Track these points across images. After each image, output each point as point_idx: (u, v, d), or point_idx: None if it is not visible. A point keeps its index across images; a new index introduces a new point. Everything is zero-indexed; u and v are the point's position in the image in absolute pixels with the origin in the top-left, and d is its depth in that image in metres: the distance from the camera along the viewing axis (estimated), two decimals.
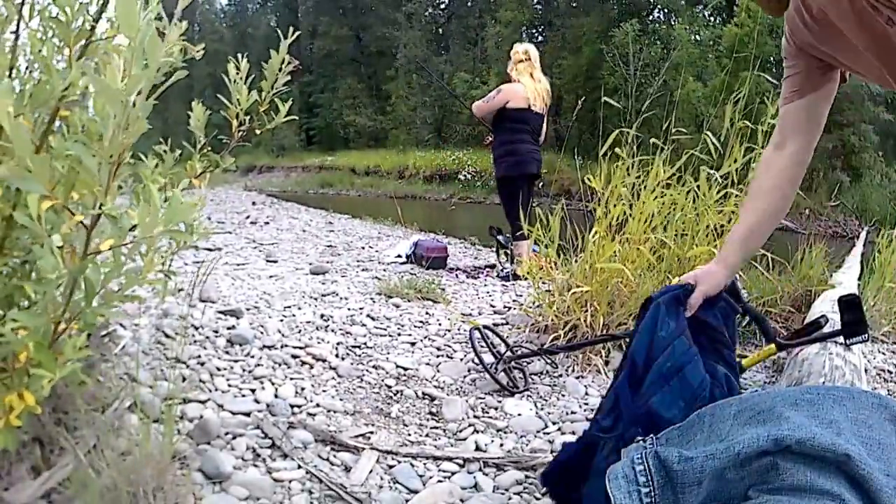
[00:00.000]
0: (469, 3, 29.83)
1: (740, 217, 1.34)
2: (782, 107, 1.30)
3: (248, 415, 1.56)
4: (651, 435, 1.33)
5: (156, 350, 1.78)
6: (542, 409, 1.88)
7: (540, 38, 24.67)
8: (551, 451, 1.58)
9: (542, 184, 4.28)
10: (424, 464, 1.51)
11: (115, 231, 0.85)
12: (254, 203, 12.63)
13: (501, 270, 4.08)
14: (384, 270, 4.17)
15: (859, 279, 2.89)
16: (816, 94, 1.24)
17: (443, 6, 31.62)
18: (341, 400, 1.80)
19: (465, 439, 1.65)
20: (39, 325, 0.85)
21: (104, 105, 0.79)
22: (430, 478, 1.44)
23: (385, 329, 2.49)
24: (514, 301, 3.12)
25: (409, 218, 5.73)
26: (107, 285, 0.91)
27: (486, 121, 4.21)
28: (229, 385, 1.73)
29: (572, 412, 1.84)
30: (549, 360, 2.16)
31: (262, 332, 2.16)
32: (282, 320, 2.35)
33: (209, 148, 1.36)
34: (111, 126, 0.77)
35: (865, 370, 1.58)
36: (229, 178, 21.23)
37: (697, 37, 16.61)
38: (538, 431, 1.73)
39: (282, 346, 2.06)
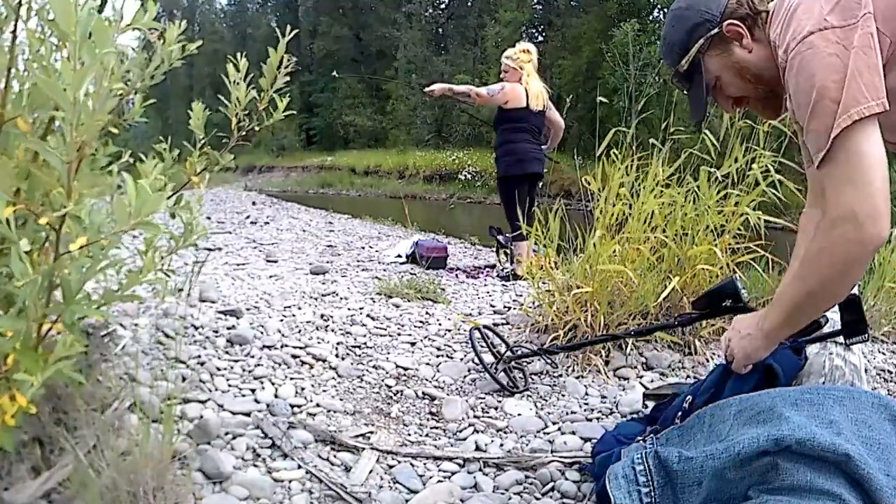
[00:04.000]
0: (469, 3, 29.83)
1: (784, 280, 1.33)
2: (807, 169, 1.30)
3: (248, 415, 1.56)
4: (651, 435, 1.34)
5: (156, 350, 1.78)
6: (542, 409, 1.88)
7: (540, 38, 24.67)
8: (552, 451, 1.58)
9: (541, 184, 4.27)
10: (424, 464, 1.51)
11: (80, 230, 0.85)
12: (254, 203, 12.64)
13: (501, 270, 4.08)
14: (384, 270, 4.17)
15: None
16: None
17: (443, 6, 31.63)
18: (341, 400, 1.79)
19: (465, 439, 1.65)
20: (21, 328, 0.84)
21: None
22: (430, 478, 1.44)
23: (385, 329, 2.48)
24: (514, 301, 3.12)
25: (409, 218, 5.74)
26: (99, 284, 0.90)
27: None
28: (229, 385, 1.73)
29: (572, 412, 1.84)
30: (549, 360, 2.16)
31: (262, 332, 2.16)
32: (282, 320, 2.35)
33: (209, 147, 1.36)
34: (67, 124, 0.77)
35: (865, 370, 1.57)
36: (229, 178, 21.23)
37: None
38: (538, 431, 1.73)
39: (282, 346, 2.06)
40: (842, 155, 1.03)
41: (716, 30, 1.25)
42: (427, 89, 4.11)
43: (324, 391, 1.83)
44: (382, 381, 1.98)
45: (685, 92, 1.36)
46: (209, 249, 4.66)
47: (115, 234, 0.83)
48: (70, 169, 0.80)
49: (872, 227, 1.01)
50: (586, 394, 1.98)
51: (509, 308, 2.93)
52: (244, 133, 1.37)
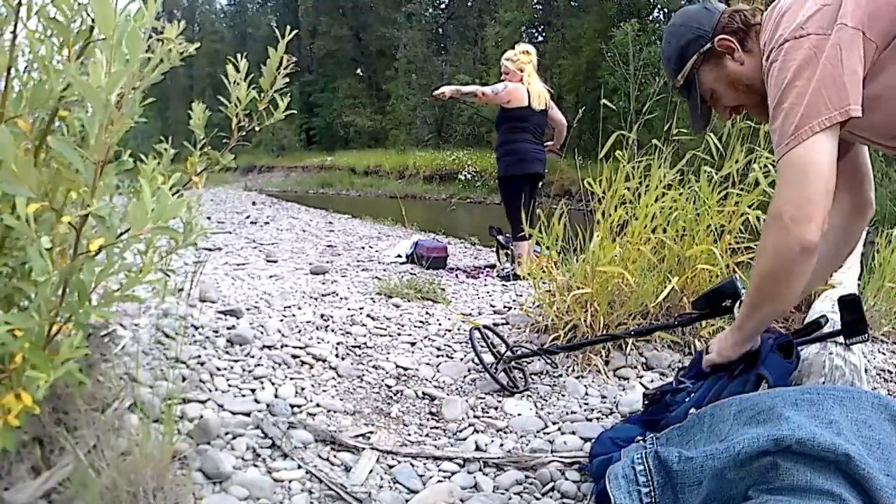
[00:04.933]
0: (469, 3, 29.84)
1: None
2: None
3: (248, 415, 1.56)
4: (651, 435, 1.34)
5: (156, 350, 1.78)
6: (542, 409, 1.88)
7: (540, 38, 24.68)
8: (552, 451, 1.58)
9: (542, 184, 4.27)
10: (424, 464, 1.51)
11: (103, 231, 0.85)
12: (254, 203, 12.65)
13: (501, 270, 4.08)
14: (384, 270, 4.17)
15: (859, 279, 2.89)
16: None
17: (443, 6, 31.64)
18: (341, 400, 1.79)
19: (465, 439, 1.65)
20: (32, 327, 0.84)
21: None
22: (430, 478, 1.44)
23: (385, 329, 2.48)
24: (514, 301, 3.12)
25: (409, 218, 5.73)
26: (100, 285, 0.90)
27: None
28: (229, 385, 1.73)
29: (572, 412, 1.84)
30: (549, 360, 2.16)
31: (262, 332, 2.16)
32: (282, 320, 2.35)
33: (209, 147, 1.36)
34: (95, 125, 0.77)
35: (865, 370, 1.57)
36: (229, 178, 21.25)
37: None
38: (538, 431, 1.73)
39: (282, 346, 2.06)
40: (793, 159, 1.09)
41: (708, 45, 1.32)
42: (436, 92, 4.11)
43: (324, 391, 1.83)
44: (382, 381, 1.98)
45: (686, 100, 1.43)
46: (209, 249, 4.66)
47: (133, 238, 0.84)
48: (97, 169, 0.81)
49: (797, 229, 1.06)
50: (586, 394, 1.98)
51: (509, 308, 2.93)
52: (244, 133, 1.37)
